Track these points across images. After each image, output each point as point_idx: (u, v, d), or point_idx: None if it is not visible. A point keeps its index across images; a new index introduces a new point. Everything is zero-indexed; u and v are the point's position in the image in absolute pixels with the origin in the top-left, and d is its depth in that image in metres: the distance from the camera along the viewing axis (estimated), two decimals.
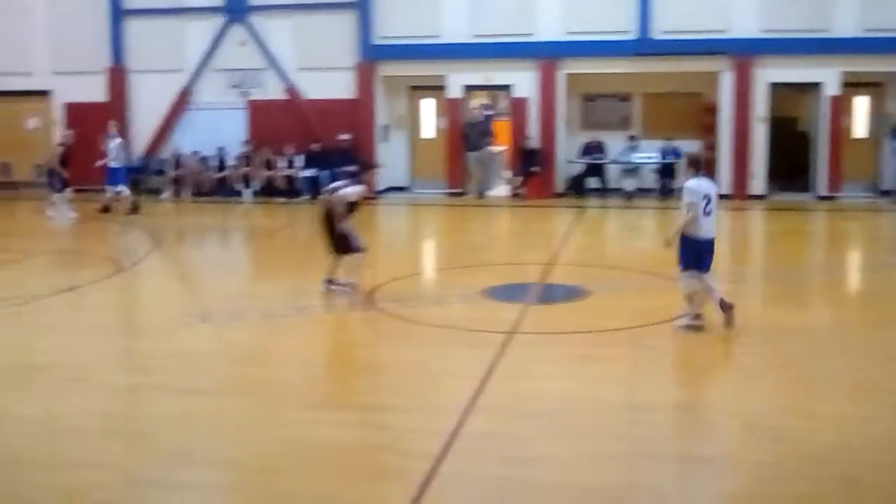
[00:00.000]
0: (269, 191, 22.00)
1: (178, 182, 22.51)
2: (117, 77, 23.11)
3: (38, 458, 6.60)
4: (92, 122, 21.87)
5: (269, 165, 22.10)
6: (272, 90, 22.50)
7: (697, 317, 9.57)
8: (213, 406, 7.69)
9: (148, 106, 22.98)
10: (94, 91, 23.05)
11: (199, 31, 22.72)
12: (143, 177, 22.71)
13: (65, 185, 18.93)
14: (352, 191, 11.43)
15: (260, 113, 22.57)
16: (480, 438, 6.77)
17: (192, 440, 6.93)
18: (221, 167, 22.39)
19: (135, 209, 19.24)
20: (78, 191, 19.61)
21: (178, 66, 22.78)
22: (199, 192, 22.28)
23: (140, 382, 8.53)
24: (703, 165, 9.72)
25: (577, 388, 7.98)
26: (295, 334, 10.08)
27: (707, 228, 9.39)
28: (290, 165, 21.96)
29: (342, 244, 11.33)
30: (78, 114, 23.02)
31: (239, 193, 22.08)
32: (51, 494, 5.98)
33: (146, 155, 23.04)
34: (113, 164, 19.23)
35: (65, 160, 19.00)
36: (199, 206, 21.38)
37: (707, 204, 9.34)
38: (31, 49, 23.45)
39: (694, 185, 9.36)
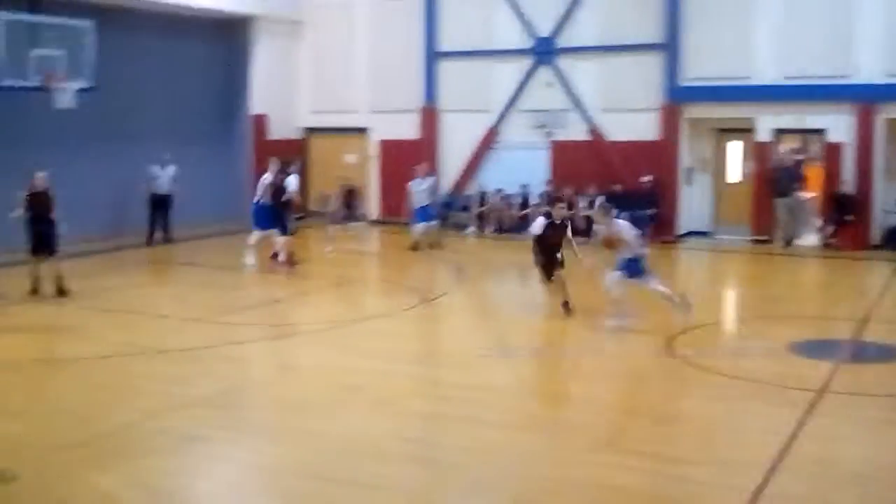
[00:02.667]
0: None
1: (482, 218, 23.14)
2: (429, 116, 24.19)
3: (340, 475, 6.96)
4: (405, 158, 23.02)
5: (571, 205, 22.27)
6: (575, 131, 22.71)
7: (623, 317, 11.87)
8: (506, 440, 7.82)
9: (456, 144, 23.85)
10: (408, 129, 24.26)
11: (507, 73, 23.33)
12: (449, 212, 23.54)
13: (352, 219, 19.91)
14: (537, 224, 13.10)
15: (562, 153, 22.81)
16: (788, 500, 6.43)
17: (484, 472, 7.06)
18: (524, 205, 22.81)
19: (436, 245, 19.98)
20: (393, 223, 20.51)
21: (486, 107, 23.49)
22: (502, 229, 22.79)
23: (440, 411, 8.81)
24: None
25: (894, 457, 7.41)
26: (592, 376, 10.06)
27: (641, 248, 12.28)
28: (591, 206, 22.01)
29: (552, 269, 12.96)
30: (392, 150, 24.32)
31: None
32: None
33: (453, 192, 23.91)
34: (421, 203, 20.03)
35: (351, 197, 20.05)
36: (502, 243, 21.85)
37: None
38: (352, 89, 25.05)
39: (624, 223, 12.30)
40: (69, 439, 7.72)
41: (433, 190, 20.53)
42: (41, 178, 14.32)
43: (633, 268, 12.13)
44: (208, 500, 6.76)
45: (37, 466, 7.07)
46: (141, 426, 8.16)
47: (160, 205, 20.34)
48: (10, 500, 6.47)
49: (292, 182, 17.74)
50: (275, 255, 16.86)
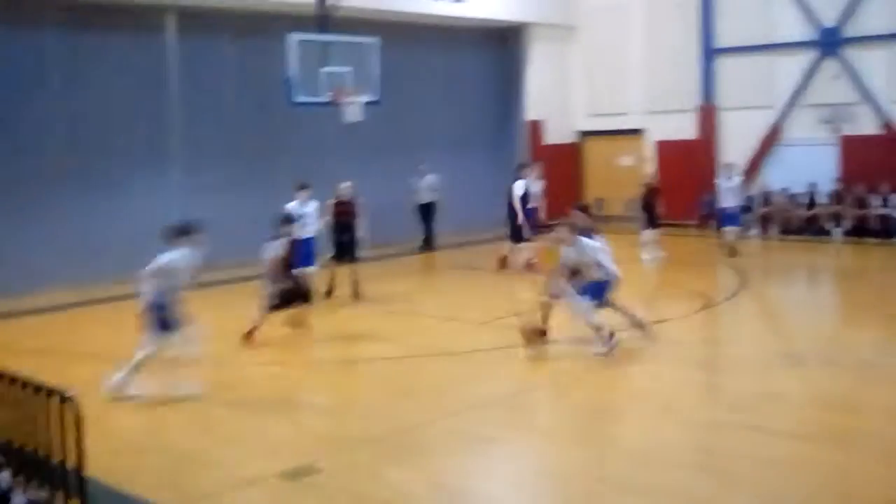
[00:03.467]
0: (861, 230, 20.91)
1: (765, 219, 22.29)
2: (707, 115, 23.61)
3: (627, 481, 6.97)
4: (682, 159, 22.62)
5: (862, 204, 21.04)
6: (866, 124, 21.43)
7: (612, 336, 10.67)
8: (797, 451, 7.53)
9: (736, 143, 23.11)
10: (685, 129, 23.78)
11: (790, 67, 22.36)
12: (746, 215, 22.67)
13: (652, 224, 18.55)
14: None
15: (852, 149, 21.58)
16: None
17: (775, 484, 6.84)
18: (811, 205, 21.78)
19: (733, 252, 18.67)
20: (669, 225, 19.87)
21: (767, 103, 22.64)
22: (787, 230, 21.85)
23: (727, 419, 8.59)
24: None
25: None
26: (885, 383, 9.47)
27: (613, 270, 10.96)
28: (885, 204, 20.70)
29: None
30: (668, 151, 23.93)
31: (828, 232, 21.26)
32: None
33: None
34: (726, 204, 19.08)
35: (651, 200, 18.73)
36: (787, 245, 20.97)
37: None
38: (627, 91, 24.89)
39: (595, 244, 10.98)
40: (367, 435, 8.19)
41: (737, 189, 19.24)
42: (346, 188, 15.21)
43: (599, 291, 10.91)
44: (497, 501, 6.95)
45: (338, 460, 7.56)
46: (433, 424, 8.52)
47: (426, 212, 21.27)
48: (315, 490, 6.94)
49: (519, 187, 17.32)
50: (527, 261, 16.95)
